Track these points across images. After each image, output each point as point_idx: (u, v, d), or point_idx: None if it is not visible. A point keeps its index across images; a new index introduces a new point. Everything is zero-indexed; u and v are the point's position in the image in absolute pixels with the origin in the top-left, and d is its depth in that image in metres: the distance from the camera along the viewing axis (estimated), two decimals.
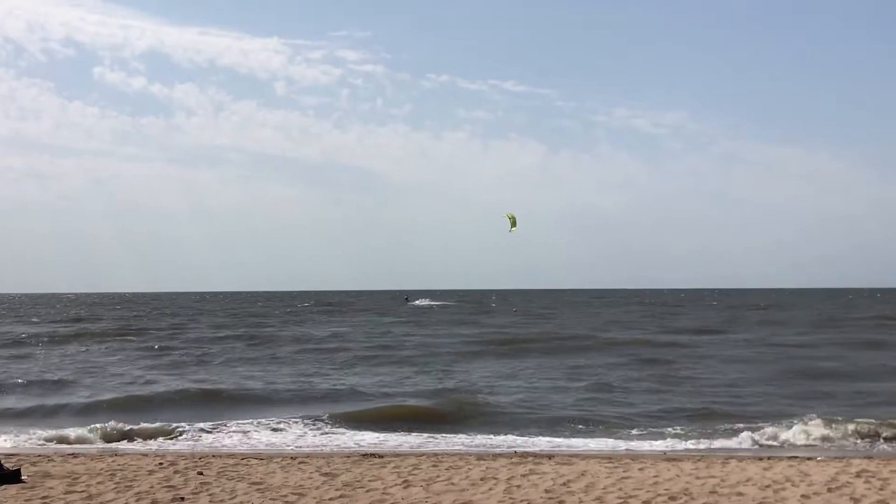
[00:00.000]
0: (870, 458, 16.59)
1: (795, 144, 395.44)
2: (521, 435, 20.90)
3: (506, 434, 21.00)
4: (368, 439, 20.25)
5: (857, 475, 13.96)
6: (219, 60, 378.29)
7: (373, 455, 17.07)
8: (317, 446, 19.35)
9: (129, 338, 54.27)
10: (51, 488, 13.15)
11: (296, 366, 37.63)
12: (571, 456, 17.12)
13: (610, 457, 16.96)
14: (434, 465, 15.32)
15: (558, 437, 20.72)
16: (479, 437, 20.74)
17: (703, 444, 19.38)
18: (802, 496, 12.31)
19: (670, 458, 16.70)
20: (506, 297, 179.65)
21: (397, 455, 17.16)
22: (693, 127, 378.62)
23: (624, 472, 14.46)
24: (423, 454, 17.43)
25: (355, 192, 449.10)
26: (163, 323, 73.77)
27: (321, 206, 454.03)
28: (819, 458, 16.42)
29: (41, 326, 69.61)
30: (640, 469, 14.77)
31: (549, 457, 16.82)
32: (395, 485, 13.41)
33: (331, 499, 12.39)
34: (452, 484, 13.44)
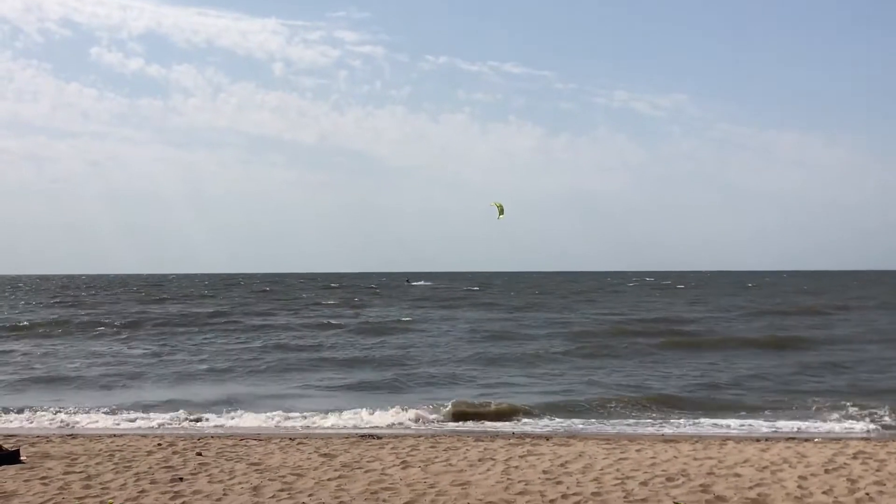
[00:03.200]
0: (867, 439, 16.64)
1: (792, 129, 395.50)
2: None
3: None
4: None
5: (854, 457, 14.00)
6: (217, 41, 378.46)
7: (371, 436, 17.11)
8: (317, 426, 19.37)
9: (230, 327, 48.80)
10: (50, 469, 13.19)
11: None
12: (569, 437, 17.16)
13: (608, 438, 16.99)
14: (432, 447, 15.36)
15: None
16: None
17: None
18: (800, 477, 12.34)
19: (668, 439, 16.73)
20: (512, 280, 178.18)
21: (395, 436, 17.19)
22: (692, 111, 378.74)
23: (622, 453, 14.49)
24: (420, 435, 17.48)
25: (353, 174, 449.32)
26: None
27: (319, 188, 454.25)
28: (816, 440, 16.46)
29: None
30: (638, 450, 14.80)
31: (547, 438, 16.86)
32: (394, 465, 13.45)
33: (329, 479, 12.43)
34: (450, 465, 13.47)
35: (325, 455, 14.42)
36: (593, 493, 11.41)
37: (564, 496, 11.29)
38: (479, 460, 13.87)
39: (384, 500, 11.14)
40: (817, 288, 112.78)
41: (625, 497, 11.22)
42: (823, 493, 11.41)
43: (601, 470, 12.96)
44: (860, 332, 42.39)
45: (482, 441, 16.23)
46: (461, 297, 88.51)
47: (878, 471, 12.81)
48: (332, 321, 51.11)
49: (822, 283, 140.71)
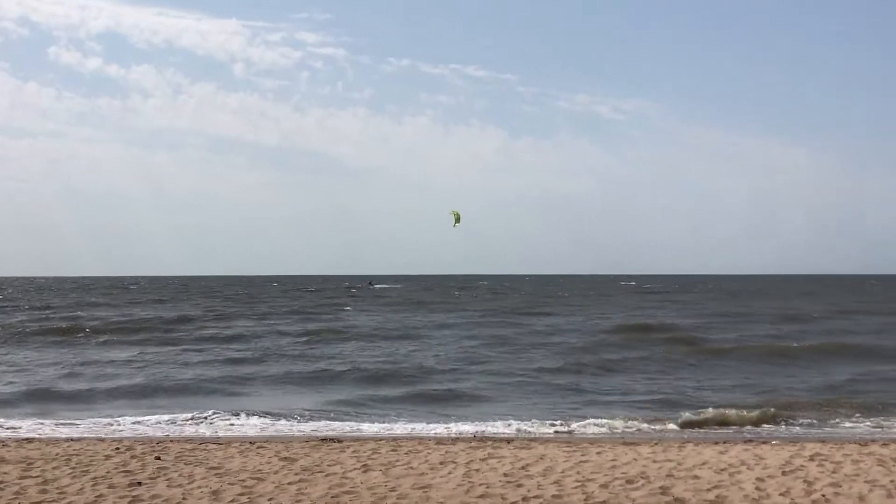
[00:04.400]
0: (823, 441, 16.83)
1: (753, 133, 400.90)
2: None
3: None
4: None
5: (811, 458, 14.17)
6: (177, 42, 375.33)
7: (332, 440, 17.05)
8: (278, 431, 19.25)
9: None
10: (5, 473, 13.00)
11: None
12: (531, 440, 17.22)
13: (569, 441, 17.08)
14: (393, 450, 15.33)
15: None
16: None
17: None
18: (757, 479, 12.47)
19: (628, 442, 16.85)
20: (481, 283, 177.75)
21: (356, 440, 17.15)
22: (653, 114, 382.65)
23: (582, 455, 14.56)
24: (382, 438, 17.45)
25: (316, 176, 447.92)
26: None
27: (281, 189, 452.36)
28: (774, 442, 16.65)
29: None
30: (598, 453, 14.88)
31: (508, 441, 16.89)
32: (354, 469, 13.41)
33: (290, 483, 12.37)
34: (411, 468, 13.46)
35: (285, 459, 14.35)
36: (554, 496, 11.46)
37: (525, 499, 11.33)
38: (441, 463, 13.88)
39: None
40: (803, 292, 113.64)
41: (585, 499, 11.28)
42: (780, 494, 11.53)
43: (562, 473, 13.01)
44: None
45: (443, 444, 16.23)
46: (440, 301, 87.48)
47: (833, 472, 12.97)
48: (323, 326, 49.73)
49: (797, 287, 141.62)
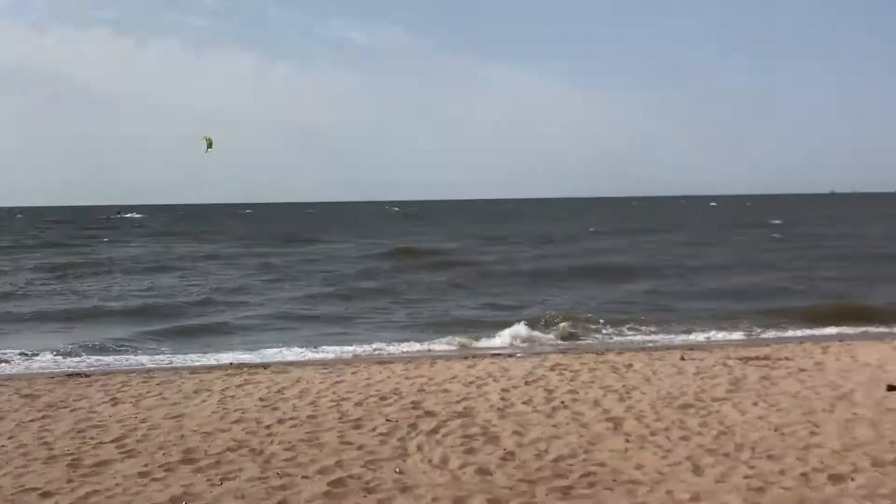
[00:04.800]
0: (564, 352, 17.93)
1: (501, 60, 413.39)
2: None
3: None
4: None
5: (552, 368, 15.08)
6: None
7: (78, 374, 16.38)
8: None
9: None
10: None
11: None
12: (287, 364, 17.28)
13: (325, 363, 17.28)
14: (144, 381, 14.93)
15: None
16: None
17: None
18: (503, 390, 13.16)
19: (382, 361, 17.26)
20: (239, 211, 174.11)
21: (105, 373, 16.56)
22: (406, 42, 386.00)
23: (337, 376, 14.79)
24: (132, 371, 16.96)
25: (54, 102, 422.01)
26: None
27: (16, 114, 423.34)
28: (518, 355, 17.57)
29: None
30: (353, 373, 15.17)
31: (265, 366, 16.86)
32: (103, 403, 12.99)
33: (31, 420, 11.83)
34: (164, 398, 13.20)
35: (26, 396, 13.66)
36: (309, 416, 11.61)
37: (280, 421, 11.41)
38: (195, 392, 13.69)
39: (92, 438, 10.75)
40: (557, 215, 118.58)
41: (339, 418, 11.50)
42: (523, 403, 12.23)
43: (317, 394, 13.18)
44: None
45: (198, 373, 15.99)
46: (202, 231, 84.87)
47: (572, 380, 13.87)
48: (78, 259, 47.00)
49: (551, 210, 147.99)
